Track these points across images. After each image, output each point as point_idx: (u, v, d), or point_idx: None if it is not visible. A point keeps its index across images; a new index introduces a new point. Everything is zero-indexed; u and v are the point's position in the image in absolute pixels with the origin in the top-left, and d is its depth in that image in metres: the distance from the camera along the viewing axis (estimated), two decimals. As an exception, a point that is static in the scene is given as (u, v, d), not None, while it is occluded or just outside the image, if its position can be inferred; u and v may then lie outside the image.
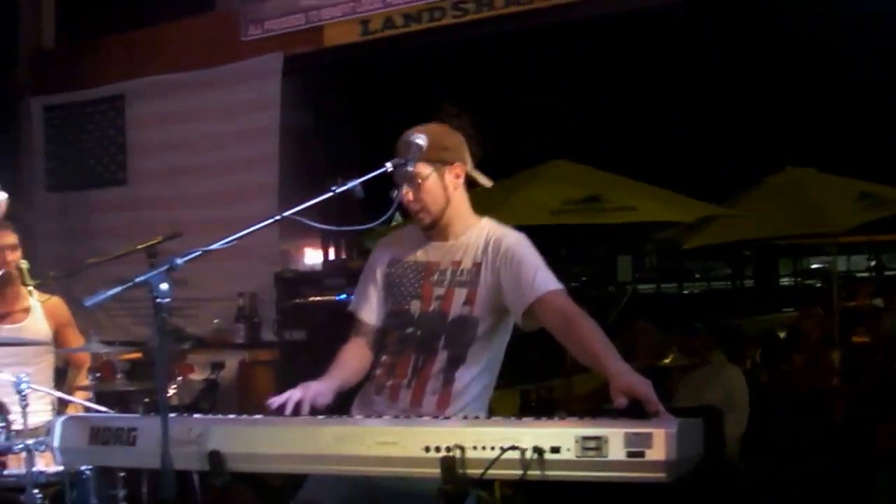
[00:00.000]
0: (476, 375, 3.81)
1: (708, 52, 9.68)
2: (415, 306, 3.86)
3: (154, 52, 9.05)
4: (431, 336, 3.81)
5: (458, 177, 3.83)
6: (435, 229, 3.88)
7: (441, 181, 3.79)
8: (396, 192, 3.73)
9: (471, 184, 3.93)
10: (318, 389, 3.67)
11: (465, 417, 3.38)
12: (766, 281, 23.57)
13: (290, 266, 8.38)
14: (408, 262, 3.94)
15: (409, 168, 3.66)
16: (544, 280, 3.66)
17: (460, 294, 3.79)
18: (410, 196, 3.76)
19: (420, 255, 3.92)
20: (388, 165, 3.65)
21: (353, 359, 3.93)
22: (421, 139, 3.69)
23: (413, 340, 3.84)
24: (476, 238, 3.85)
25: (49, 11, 9.89)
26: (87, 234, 9.25)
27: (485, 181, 3.92)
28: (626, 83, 10.33)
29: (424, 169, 3.75)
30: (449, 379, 3.77)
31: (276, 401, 3.58)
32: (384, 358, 3.92)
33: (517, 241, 3.79)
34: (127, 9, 9.30)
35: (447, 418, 3.48)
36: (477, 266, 3.80)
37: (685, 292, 25.76)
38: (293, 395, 3.60)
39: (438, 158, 3.77)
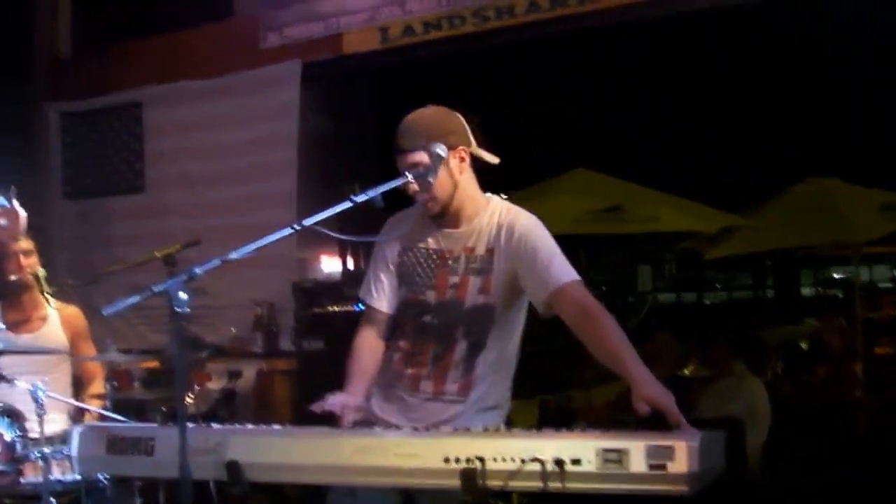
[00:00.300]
0: (497, 358, 3.83)
1: (731, 61, 9.63)
2: (430, 296, 3.83)
3: (172, 59, 9.04)
4: (449, 325, 3.80)
5: (463, 160, 3.76)
6: (446, 216, 3.81)
7: (447, 167, 3.70)
8: (403, 182, 3.65)
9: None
10: (349, 401, 3.64)
11: (486, 429, 3.35)
12: (788, 291, 23.42)
13: (308, 275, 8.35)
14: (420, 250, 3.89)
15: (431, 180, 3.61)
16: (560, 270, 3.63)
17: (475, 282, 3.76)
18: (417, 187, 3.68)
19: (432, 242, 3.87)
20: (409, 176, 3.62)
21: (373, 357, 3.89)
22: (441, 149, 3.62)
23: (431, 329, 3.83)
24: (488, 222, 3.80)
25: (66, 18, 9.86)
26: (105, 241, 9.23)
27: (490, 158, 3.83)
28: (649, 92, 10.29)
29: (425, 157, 3.65)
30: (470, 367, 3.79)
31: (332, 405, 3.56)
32: (401, 343, 3.91)
33: (529, 227, 3.74)
34: (145, 15, 9.27)
35: (468, 429, 3.45)
36: (490, 252, 3.76)
37: (706, 302, 25.64)
38: (345, 402, 3.59)
39: (439, 146, 3.65)
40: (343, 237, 3.64)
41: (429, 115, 3.79)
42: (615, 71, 9.74)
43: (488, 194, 3.89)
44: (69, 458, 3.75)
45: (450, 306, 3.80)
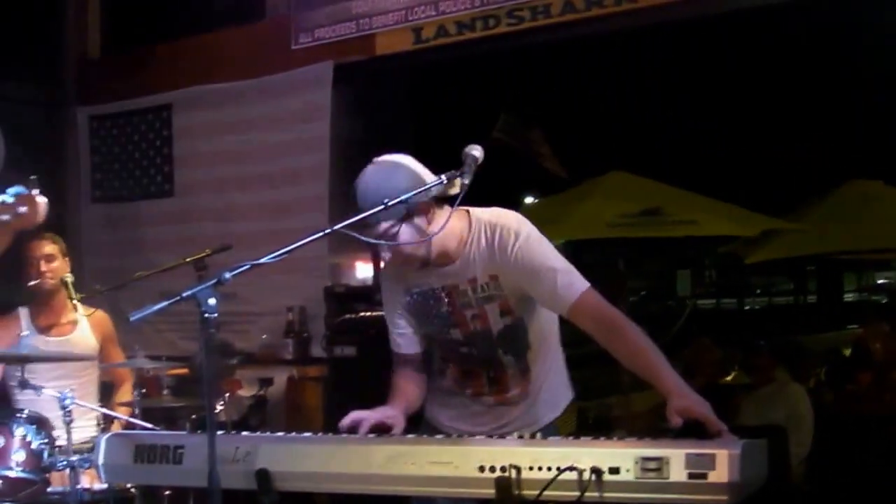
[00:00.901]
0: (543, 344, 3.82)
1: (772, 62, 9.52)
2: (456, 333, 3.77)
3: (202, 61, 8.91)
4: (488, 351, 3.76)
5: (426, 212, 3.53)
6: (432, 263, 3.66)
7: (410, 229, 3.51)
8: (440, 183, 3.46)
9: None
10: (389, 414, 3.59)
11: (522, 437, 3.33)
12: (831, 296, 23.27)
13: (341, 280, 8.25)
14: (425, 292, 3.77)
15: (466, 182, 3.42)
16: (567, 286, 3.52)
17: (493, 309, 3.69)
18: (388, 256, 3.56)
19: (433, 281, 3.73)
20: (443, 177, 3.47)
21: (411, 387, 3.82)
22: (477, 150, 3.47)
23: (472, 358, 3.80)
24: (478, 247, 3.65)
25: (95, 20, 9.75)
26: (134, 246, 9.11)
27: (454, 189, 3.51)
28: (688, 93, 10.20)
29: (391, 226, 3.46)
30: (524, 369, 3.79)
31: (349, 423, 3.52)
32: (451, 368, 3.89)
33: (522, 246, 3.58)
34: (175, 17, 9.16)
35: (502, 437, 3.43)
36: (494, 279, 3.64)
37: (746, 308, 25.51)
38: (368, 416, 3.53)
39: (398, 211, 3.44)
40: (373, 241, 3.53)
41: (377, 184, 3.49)
42: (653, 71, 9.65)
43: (466, 212, 3.70)
44: (97, 466, 3.70)
45: (480, 335, 3.74)
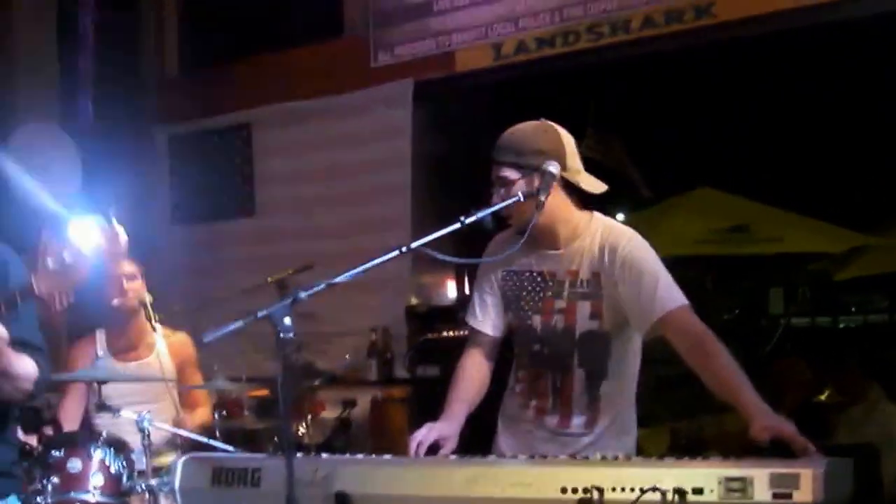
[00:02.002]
0: (620, 384, 3.77)
1: (857, 75, 9.33)
2: (536, 321, 3.76)
3: (281, 79, 8.93)
4: (562, 354, 3.73)
5: (545, 181, 3.59)
6: (537, 236, 3.69)
7: (529, 188, 3.58)
8: (514, 202, 3.58)
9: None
10: (443, 432, 3.64)
11: (604, 458, 3.25)
12: (928, 314, 22.82)
13: (427, 300, 8.22)
14: (521, 272, 3.81)
15: (542, 198, 3.52)
16: (666, 295, 3.53)
17: (584, 307, 3.68)
18: (496, 200, 3.62)
19: (533, 263, 3.78)
20: (520, 195, 3.55)
21: (474, 381, 3.87)
22: (553, 167, 3.56)
23: (542, 358, 3.78)
24: (590, 243, 3.69)
25: (173, 38, 9.84)
26: (216, 267, 9.12)
27: (589, 186, 3.70)
28: (774, 107, 10.03)
29: (512, 173, 3.62)
30: (594, 396, 3.73)
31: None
32: (520, 374, 3.88)
33: (633, 248, 3.63)
34: (253, 35, 9.19)
35: (586, 457, 3.41)
36: (596, 276, 3.65)
37: (841, 326, 25.10)
38: (424, 437, 3.59)
39: (527, 164, 3.60)
40: (447, 259, 3.54)
41: (524, 131, 3.71)
42: (735, 86, 9.50)
43: (591, 213, 3.77)
44: (174, 490, 3.67)
45: (558, 333, 3.72)
